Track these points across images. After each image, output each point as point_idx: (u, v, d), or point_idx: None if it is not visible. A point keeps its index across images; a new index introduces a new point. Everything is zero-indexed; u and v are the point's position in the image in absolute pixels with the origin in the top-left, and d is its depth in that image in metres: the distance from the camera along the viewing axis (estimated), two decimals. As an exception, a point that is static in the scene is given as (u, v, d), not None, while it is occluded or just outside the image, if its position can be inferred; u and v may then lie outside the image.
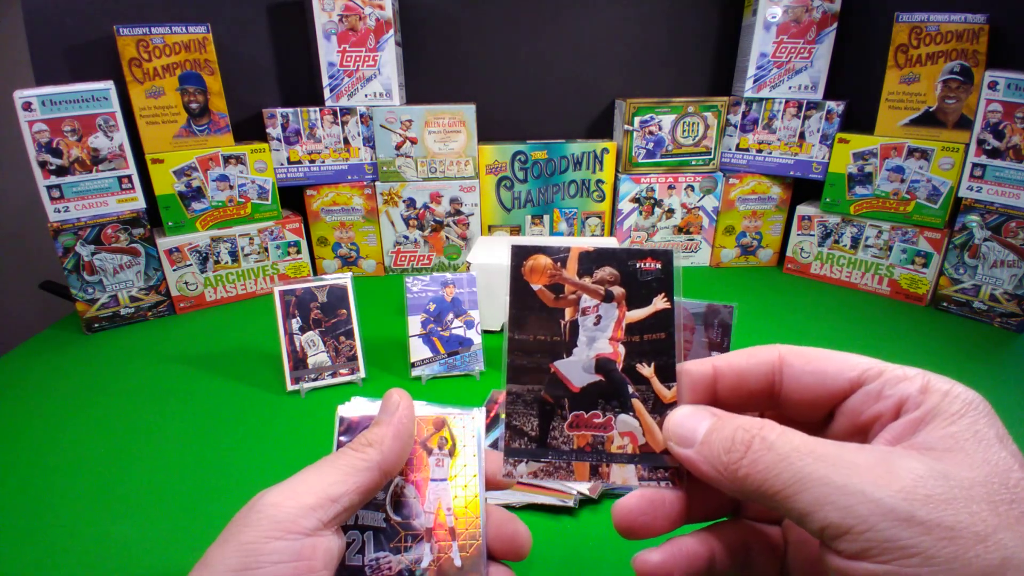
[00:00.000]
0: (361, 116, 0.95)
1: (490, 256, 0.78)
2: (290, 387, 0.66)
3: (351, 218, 1.00)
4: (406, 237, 1.02)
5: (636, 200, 1.01)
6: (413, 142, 0.96)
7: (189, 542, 0.47)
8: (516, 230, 1.03)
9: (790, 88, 0.94)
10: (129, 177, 0.83)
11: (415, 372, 0.68)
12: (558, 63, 1.04)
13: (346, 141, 0.96)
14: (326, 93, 0.93)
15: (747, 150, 0.99)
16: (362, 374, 0.68)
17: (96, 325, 0.84)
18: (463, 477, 0.29)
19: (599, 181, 1.01)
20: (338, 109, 0.94)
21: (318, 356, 0.67)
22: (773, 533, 0.27)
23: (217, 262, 0.91)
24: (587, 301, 0.27)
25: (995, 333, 0.79)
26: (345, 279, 0.67)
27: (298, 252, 0.98)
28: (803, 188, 1.01)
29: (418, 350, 0.68)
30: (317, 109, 0.94)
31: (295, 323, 0.66)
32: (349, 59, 0.92)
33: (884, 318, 0.84)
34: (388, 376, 0.70)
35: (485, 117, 1.02)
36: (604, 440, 0.26)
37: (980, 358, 0.73)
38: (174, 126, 0.85)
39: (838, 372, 0.24)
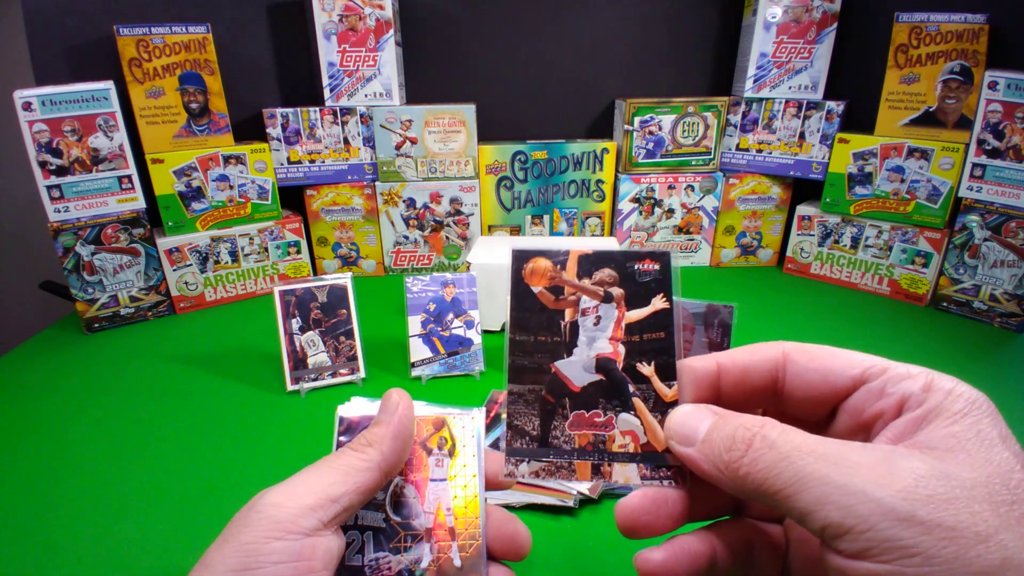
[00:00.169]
0: (361, 116, 0.95)
1: (490, 256, 0.78)
2: (290, 387, 0.66)
3: (351, 218, 1.00)
4: (406, 237, 1.02)
5: (636, 200, 1.01)
6: (413, 142, 0.96)
7: (189, 542, 0.47)
8: (516, 230, 1.03)
9: (790, 88, 0.94)
10: (129, 177, 0.83)
11: (415, 372, 0.68)
12: (558, 63, 1.04)
13: (346, 141, 0.96)
14: (326, 93, 0.93)
15: (747, 150, 0.99)
16: (362, 374, 0.68)
17: (96, 325, 0.84)
18: (463, 477, 0.29)
19: (599, 181, 1.01)
20: (338, 109, 0.94)
21: (318, 356, 0.67)
22: (775, 532, 0.27)
23: (217, 262, 0.91)
24: (587, 302, 0.27)
25: (995, 333, 0.79)
26: (345, 279, 0.67)
27: (298, 252, 0.98)
28: (803, 188, 1.01)
29: (418, 350, 0.68)
30: (317, 109, 0.94)
31: (295, 323, 0.66)
32: (349, 59, 0.92)
33: (884, 318, 0.84)
34: (388, 376, 0.70)
35: (485, 117, 1.02)
36: (605, 439, 0.27)
37: (980, 358, 0.73)
38: (174, 126, 0.85)
39: (841, 369, 0.24)
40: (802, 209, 0.97)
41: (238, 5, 0.94)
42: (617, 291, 0.27)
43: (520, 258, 0.27)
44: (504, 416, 0.27)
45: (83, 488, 0.53)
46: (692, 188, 1.00)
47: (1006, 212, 0.78)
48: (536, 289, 0.27)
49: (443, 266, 1.04)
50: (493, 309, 0.77)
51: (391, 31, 0.91)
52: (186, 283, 0.90)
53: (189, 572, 0.22)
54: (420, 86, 1.04)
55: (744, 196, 1.00)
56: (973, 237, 0.81)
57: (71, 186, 0.79)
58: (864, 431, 0.23)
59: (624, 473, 0.26)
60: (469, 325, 0.69)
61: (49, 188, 0.78)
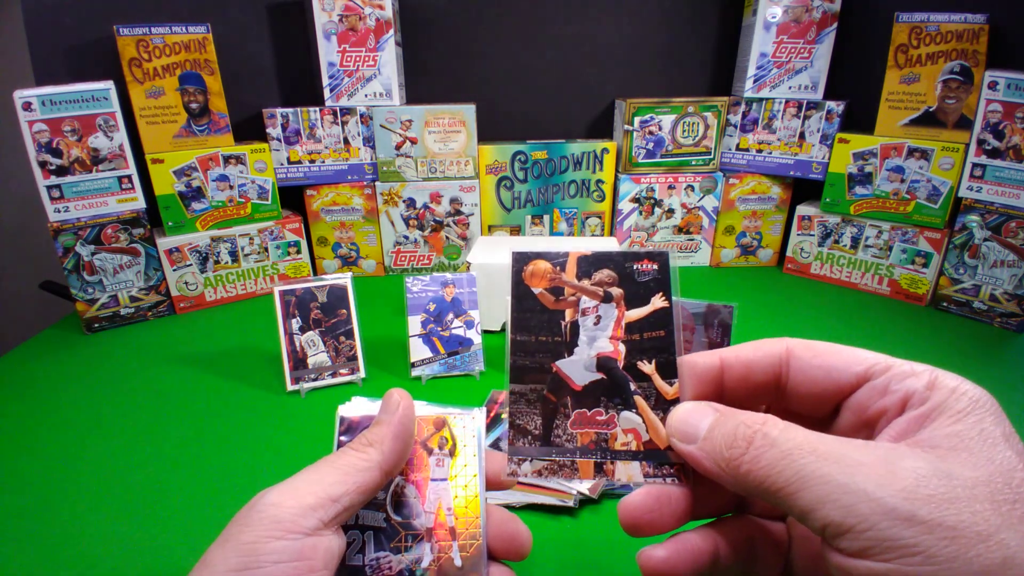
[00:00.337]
0: (361, 116, 0.95)
1: (490, 256, 0.78)
2: (290, 387, 0.66)
3: (351, 218, 1.00)
4: (406, 237, 1.02)
5: (636, 200, 1.01)
6: (413, 142, 0.96)
7: (189, 542, 0.47)
8: (516, 230, 1.03)
9: (790, 88, 0.94)
10: (129, 177, 0.83)
11: (415, 372, 0.68)
12: (558, 63, 1.04)
13: (346, 141, 0.96)
14: (326, 93, 0.93)
15: (747, 150, 0.99)
16: (362, 374, 0.68)
17: (96, 325, 0.84)
18: (463, 477, 0.29)
19: (599, 181, 1.01)
20: (338, 109, 0.94)
21: (318, 356, 0.67)
22: (777, 529, 0.27)
23: (217, 262, 0.91)
24: (587, 302, 0.28)
25: (995, 333, 0.79)
26: (345, 279, 0.67)
27: (298, 252, 0.98)
28: (803, 188, 1.01)
29: (418, 350, 0.68)
30: (317, 109, 0.94)
31: (295, 323, 0.66)
32: (349, 59, 0.92)
33: (884, 318, 0.84)
34: (388, 376, 0.70)
35: (485, 117, 1.02)
36: (608, 437, 0.27)
37: (980, 358, 0.73)
38: (174, 126, 0.85)
39: (845, 366, 0.24)
40: (802, 209, 0.97)
41: (238, 5, 0.94)
42: (616, 291, 0.27)
43: (520, 260, 0.28)
44: (506, 416, 0.27)
45: (83, 488, 0.53)
46: (692, 188, 1.00)
47: (1006, 212, 0.78)
48: (536, 290, 0.28)
49: (443, 266, 1.04)
50: (493, 309, 0.77)
51: (391, 31, 0.91)
52: (186, 283, 0.90)
53: (190, 572, 0.22)
54: (420, 86, 1.04)
55: (744, 196, 1.00)
56: (973, 237, 0.81)
57: (71, 186, 0.79)
58: (867, 428, 0.23)
59: (627, 471, 0.26)
60: (469, 325, 0.69)
61: (49, 188, 0.78)
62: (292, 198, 0.99)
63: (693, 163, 1.00)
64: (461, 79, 1.04)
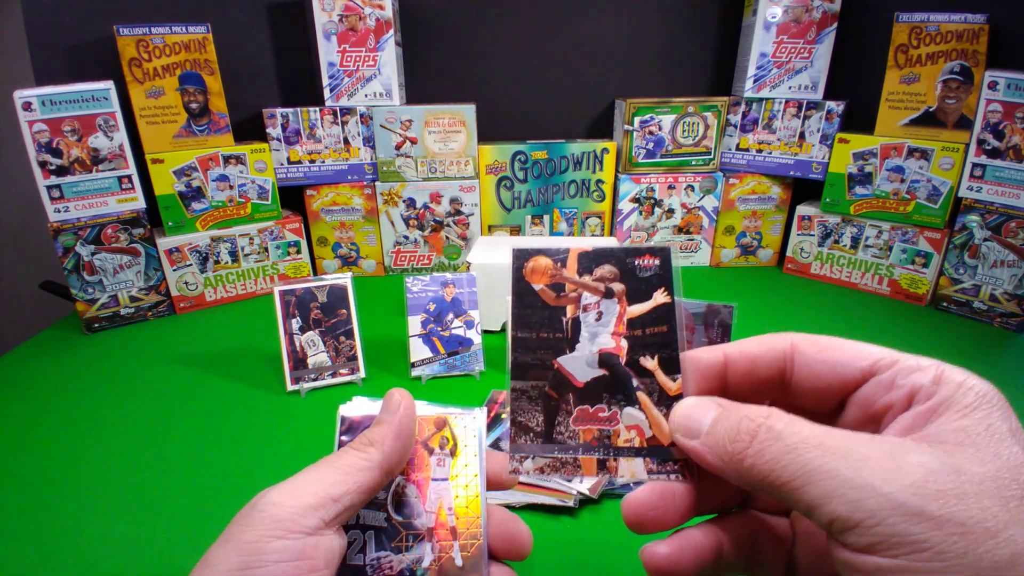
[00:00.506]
0: (361, 116, 0.95)
1: (490, 256, 0.78)
2: (290, 387, 0.66)
3: (351, 218, 1.00)
4: (406, 237, 1.02)
5: (636, 200, 1.01)
6: (413, 142, 0.96)
7: (189, 542, 0.47)
8: (516, 230, 1.03)
9: (790, 88, 0.94)
10: (129, 177, 0.83)
11: (415, 372, 0.68)
12: (558, 63, 1.04)
13: (346, 141, 0.96)
14: (326, 93, 0.93)
15: (747, 150, 0.99)
16: (362, 374, 0.68)
17: (96, 325, 0.84)
18: (464, 477, 0.29)
19: (599, 181, 1.01)
20: (338, 109, 0.94)
21: (318, 356, 0.67)
22: (781, 525, 0.27)
23: (217, 262, 0.91)
24: (588, 298, 0.27)
25: (995, 333, 0.79)
26: (345, 279, 0.67)
27: (298, 252, 0.98)
28: (803, 188, 1.01)
29: (418, 350, 0.68)
30: (317, 109, 0.94)
31: (295, 323, 0.66)
32: (349, 59, 0.92)
33: (884, 318, 0.84)
34: (388, 376, 0.70)
35: (485, 117, 1.02)
36: (611, 434, 0.27)
37: (980, 358, 0.73)
38: (174, 126, 0.85)
39: (851, 361, 0.23)
40: (802, 209, 0.97)
41: (238, 5, 0.94)
42: (618, 287, 0.27)
43: (520, 256, 0.28)
44: (507, 414, 0.27)
45: (83, 488, 0.53)
46: (692, 188, 1.00)
47: (1006, 212, 0.78)
48: (537, 287, 0.27)
49: (443, 266, 1.04)
50: (493, 309, 0.77)
51: (391, 31, 0.91)
52: (186, 283, 0.90)
53: (191, 572, 0.22)
54: (420, 86, 1.04)
55: (744, 196, 1.00)
56: (973, 237, 0.81)
57: (71, 186, 0.79)
58: (873, 423, 0.23)
59: (630, 468, 0.26)
60: (469, 325, 0.69)
61: (49, 188, 0.78)
62: (292, 198, 0.99)
63: (693, 163, 1.00)
64: (461, 79, 1.04)
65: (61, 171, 0.78)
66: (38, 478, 0.54)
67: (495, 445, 0.53)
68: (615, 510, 0.49)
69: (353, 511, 0.26)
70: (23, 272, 1.34)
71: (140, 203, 0.84)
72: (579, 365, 0.27)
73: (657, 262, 0.27)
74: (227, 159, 0.89)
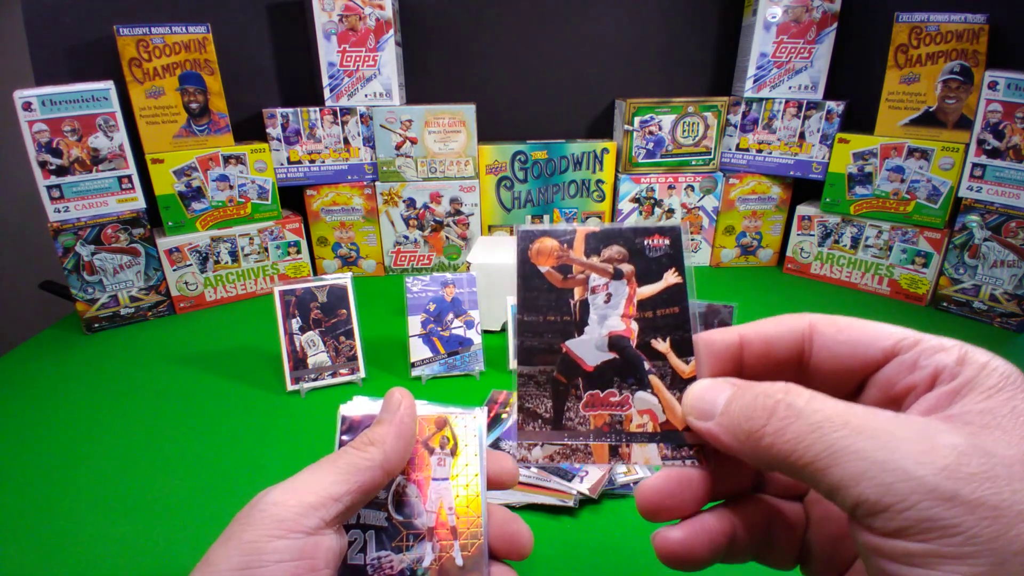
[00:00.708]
0: (361, 116, 0.95)
1: (490, 256, 0.78)
2: (290, 387, 0.66)
3: (351, 218, 1.00)
4: (406, 237, 1.02)
5: (636, 200, 1.01)
6: (413, 142, 0.96)
7: (190, 542, 0.47)
8: (516, 230, 1.03)
9: (790, 88, 0.94)
10: (129, 177, 0.83)
11: (415, 372, 0.68)
12: (558, 63, 1.04)
13: (346, 141, 0.96)
14: (326, 93, 0.93)
15: (747, 150, 0.99)
16: (362, 374, 0.68)
17: (96, 325, 0.84)
18: (465, 476, 0.29)
19: (599, 181, 1.01)
20: (338, 109, 0.94)
21: (318, 356, 0.67)
22: (794, 510, 0.27)
23: (217, 262, 0.91)
24: (596, 280, 0.26)
25: (995, 333, 0.79)
26: (345, 279, 0.67)
27: (298, 252, 0.98)
28: (803, 188, 1.01)
29: (418, 350, 0.68)
30: (317, 109, 0.94)
31: (295, 323, 0.66)
32: (349, 59, 0.92)
33: (884, 318, 0.83)
34: (388, 376, 0.70)
35: (485, 117, 1.02)
36: (622, 419, 0.26)
37: (980, 358, 0.73)
38: (174, 126, 0.85)
39: (872, 341, 0.23)
40: (802, 209, 0.97)
41: (238, 5, 0.94)
42: (627, 267, 0.26)
43: (526, 238, 0.27)
44: (507, 408, 0.27)
45: (83, 488, 0.53)
46: (692, 188, 1.00)
47: (1006, 212, 0.78)
48: (543, 269, 0.26)
49: (443, 266, 1.04)
50: (493, 309, 0.77)
51: (391, 31, 0.91)
52: (186, 283, 0.90)
53: (191, 571, 0.22)
54: (420, 86, 1.04)
55: (744, 196, 1.00)
56: (973, 237, 0.81)
57: (71, 186, 0.79)
58: (894, 404, 0.22)
59: (643, 454, 0.25)
60: (469, 325, 0.69)
61: (49, 188, 0.78)
62: (292, 198, 0.99)
63: (693, 163, 1.00)
64: (461, 79, 1.04)
65: (61, 171, 0.78)
66: (38, 478, 0.54)
67: (495, 445, 0.53)
68: (615, 510, 0.49)
69: (354, 511, 0.26)
70: (23, 272, 1.34)
71: (140, 203, 0.84)
72: (588, 348, 0.26)
73: (667, 242, 0.27)
74: (227, 159, 0.89)
